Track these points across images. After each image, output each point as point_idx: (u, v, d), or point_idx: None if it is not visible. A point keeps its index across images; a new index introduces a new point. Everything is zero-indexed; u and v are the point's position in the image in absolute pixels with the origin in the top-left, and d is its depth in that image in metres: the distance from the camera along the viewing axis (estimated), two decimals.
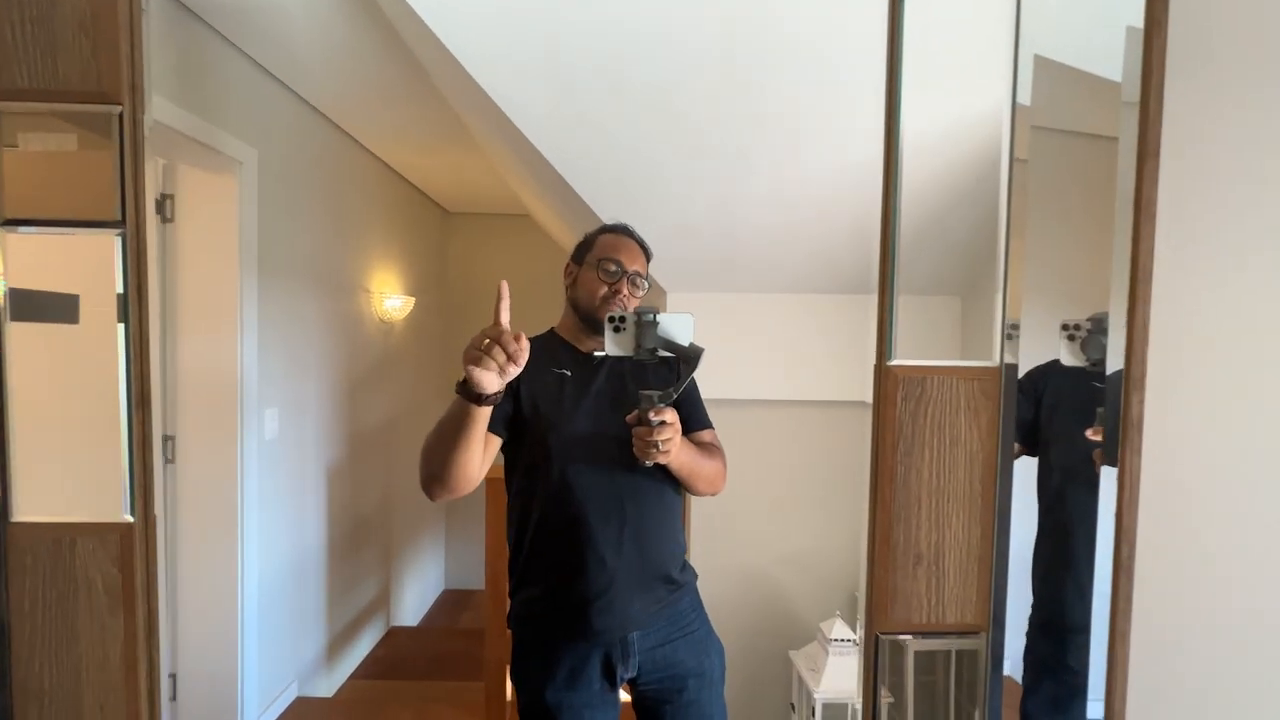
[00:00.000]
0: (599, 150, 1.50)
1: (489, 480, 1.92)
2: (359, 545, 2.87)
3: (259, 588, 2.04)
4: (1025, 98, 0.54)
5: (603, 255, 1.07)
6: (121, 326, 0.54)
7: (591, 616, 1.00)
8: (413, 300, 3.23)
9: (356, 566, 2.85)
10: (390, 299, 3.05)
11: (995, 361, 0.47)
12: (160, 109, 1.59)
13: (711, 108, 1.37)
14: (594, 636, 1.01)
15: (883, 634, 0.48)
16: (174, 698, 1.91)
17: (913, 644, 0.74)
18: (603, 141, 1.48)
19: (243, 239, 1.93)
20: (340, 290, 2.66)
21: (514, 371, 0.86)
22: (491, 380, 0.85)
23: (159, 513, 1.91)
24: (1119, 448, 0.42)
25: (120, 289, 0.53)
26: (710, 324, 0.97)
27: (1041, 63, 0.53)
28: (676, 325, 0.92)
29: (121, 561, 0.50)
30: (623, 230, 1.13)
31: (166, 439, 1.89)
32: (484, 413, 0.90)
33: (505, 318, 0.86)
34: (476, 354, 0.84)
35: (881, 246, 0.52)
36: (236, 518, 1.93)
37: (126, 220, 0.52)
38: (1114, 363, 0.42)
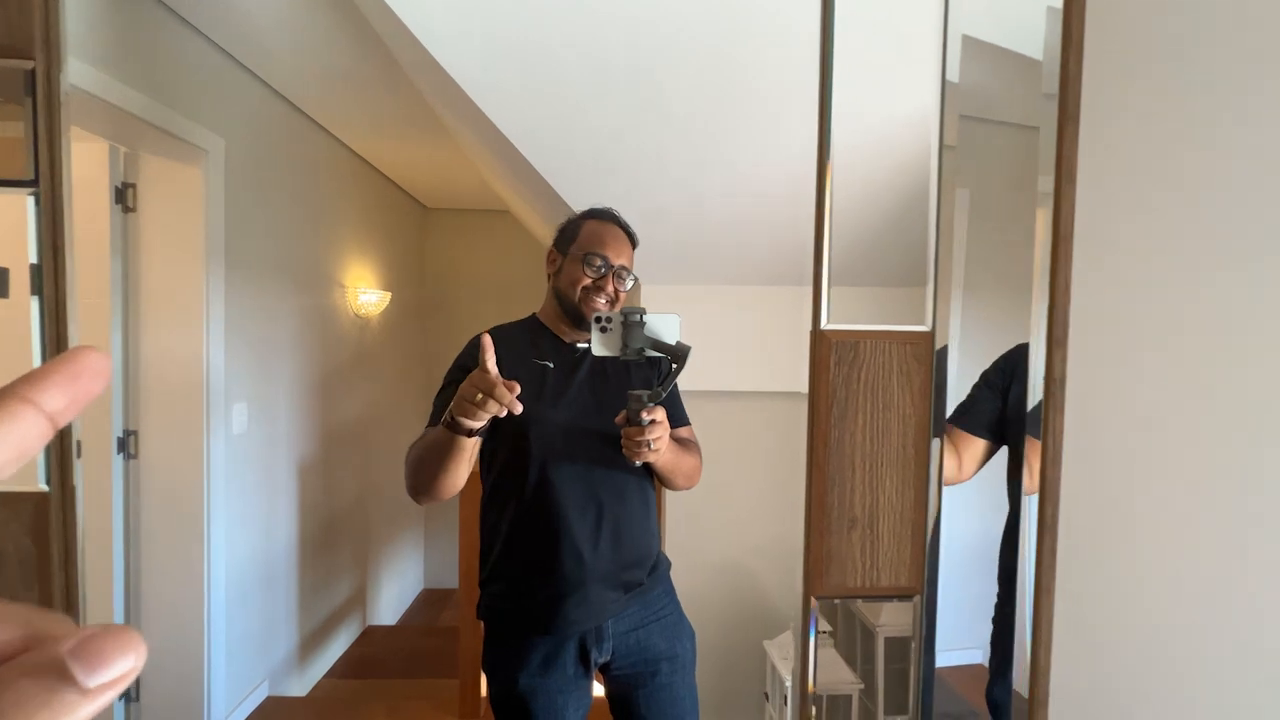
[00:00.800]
0: (569, 136, 1.50)
1: None
2: (333, 543, 2.83)
3: (226, 585, 2.00)
4: (955, 75, 0.54)
5: (588, 249, 1.03)
6: (36, 299, 0.52)
7: (566, 610, 0.99)
8: (389, 295, 3.20)
9: (331, 565, 2.81)
10: (365, 294, 3.02)
11: (928, 325, 0.47)
12: (121, 95, 1.56)
13: (689, 94, 1.36)
14: (568, 628, 1.00)
15: (818, 597, 0.48)
16: (136, 698, 1.87)
17: (882, 630, 0.74)
18: (575, 129, 1.47)
19: (209, 230, 1.90)
20: (313, 284, 2.62)
21: (505, 412, 0.84)
22: (483, 420, 0.85)
23: (119, 508, 1.86)
24: (1043, 406, 0.42)
25: (34, 257, 0.50)
26: (685, 315, 0.96)
27: (988, 50, 0.54)
28: (663, 325, 0.92)
29: (35, 532, 0.48)
30: (608, 217, 1.09)
31: (129, 434, 1.85)
32: (474, 440, 0.90)
33: (493, 366, 0.84)
34: (470, 408, 0.83)
35: (817, 209, 0.52)
36: (203, 513, 1.89)
37: (40, 179, 0.50)
38: (1037, 325, 0.43)
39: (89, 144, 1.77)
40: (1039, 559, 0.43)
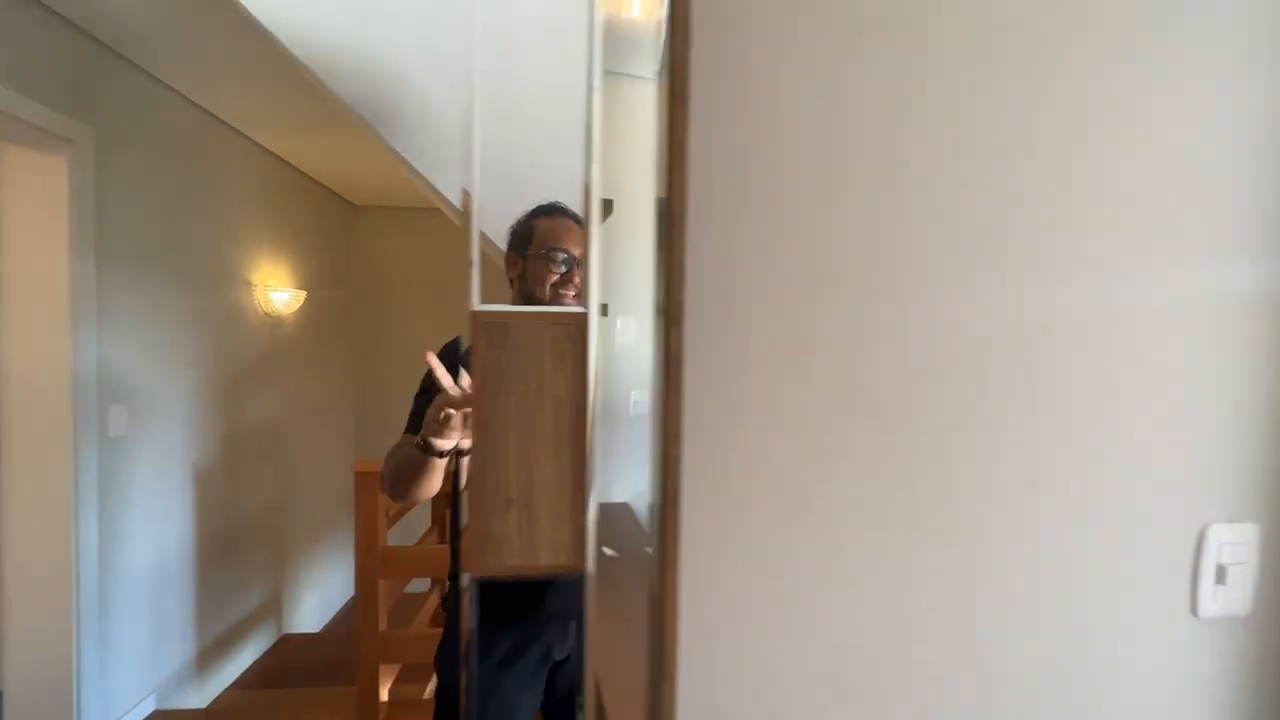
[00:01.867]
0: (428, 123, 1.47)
1: (357, 475, 1.86)
2: (240, 550, 2.74)
3: (99, 596, 1.91)
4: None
5: (549, 245, 1.04)
6: None
7: (545, 602, 1.00)
8: (303, 294, 3.11)
9: (236, 571, 2.71)
10: (277, 292, 2.93)
11: (581, 307, 0.47)
12: None
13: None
14: (543, 621, 1.01)
15: (475, 577, 0.48)
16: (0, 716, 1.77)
17: None
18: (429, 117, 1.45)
19: (77, 223, 1.81)
20: (211, 281, 2.54)
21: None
22: (454, 439, 0.87)
23: None
24: (662, 383, 0.43)
25: None
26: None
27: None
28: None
29: None
30: (557, 211, 1.09)
31: None
32: (446, 458, 0.91)
33: (449, 382, 0.84)
34: (440, 429, 0.85)
35: (464, 193, 0.52)
36: (70, 520, 1.80)
37: None
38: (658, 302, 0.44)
39: None
40: (664, 532, 0.43)
